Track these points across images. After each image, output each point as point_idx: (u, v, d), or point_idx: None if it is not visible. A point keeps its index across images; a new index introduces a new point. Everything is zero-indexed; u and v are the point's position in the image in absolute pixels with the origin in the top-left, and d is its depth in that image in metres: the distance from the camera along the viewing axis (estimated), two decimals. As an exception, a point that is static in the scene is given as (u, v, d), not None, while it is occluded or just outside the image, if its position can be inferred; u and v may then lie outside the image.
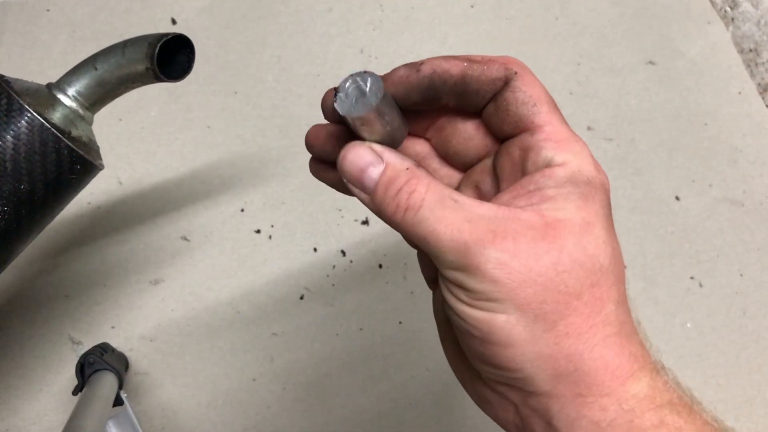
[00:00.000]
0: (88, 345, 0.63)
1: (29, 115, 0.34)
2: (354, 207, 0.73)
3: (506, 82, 0.28)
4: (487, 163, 0.30)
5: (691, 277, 0.74)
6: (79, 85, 0.37)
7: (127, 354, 0.64)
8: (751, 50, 0.87)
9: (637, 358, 0.25)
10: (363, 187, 0.26)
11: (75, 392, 0.56)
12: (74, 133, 0.36)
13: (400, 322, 0.68)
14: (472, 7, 0.86)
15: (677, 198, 0.78)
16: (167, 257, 0.69)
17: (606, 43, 0.86)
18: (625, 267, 0.28)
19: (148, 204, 0.71)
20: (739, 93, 0.85)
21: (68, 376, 0.63)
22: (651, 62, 0.85)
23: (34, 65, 0.76)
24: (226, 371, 0.65)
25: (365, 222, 0.72)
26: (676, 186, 0.78)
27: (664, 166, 0.79)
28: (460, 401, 0.65)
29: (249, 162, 0.74)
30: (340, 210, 0.73)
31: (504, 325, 0.25)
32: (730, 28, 0.89)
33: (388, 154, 0.26)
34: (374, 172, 0.26)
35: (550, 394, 0.26)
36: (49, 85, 0.37)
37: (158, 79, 0.36)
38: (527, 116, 0.28)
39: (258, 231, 0.71)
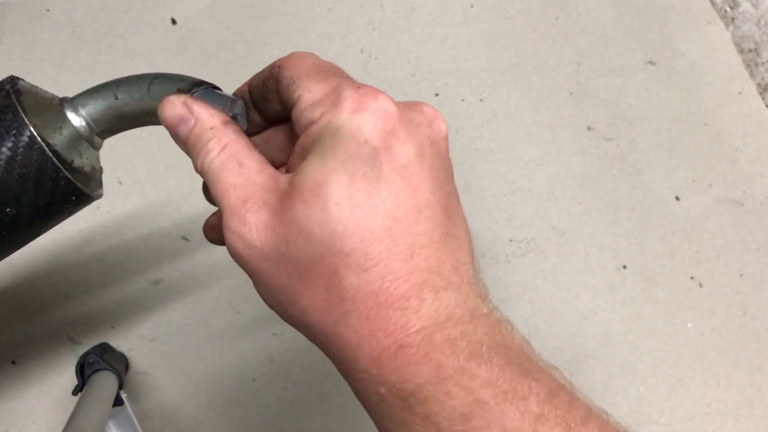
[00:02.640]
0: (87, 345, 0.63)
1: (31, 136, 0.31)
2: (354, 207, 0.73)
3: (278, 81, 0.28)
4: None
5: (691, 277, 0.74)
6: (94, 109, 0.34)
7: (127, 354, 0.64)
8: (751, 50, 0.87)
9: (388, 333, 0.23)
10: (178, 140, 0.28)
11: (75, 392, 0.56)
12: (76, 162, 0.33)
13: (400, 322, 0.68)
14: (472, 7, 0.86)
15: (677, 198, 0.78)
16: (167, 257, 0.69)
17: (606, 43, 0.86)
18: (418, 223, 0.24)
19: (148, 204, 0.71)
20: (739, 93, 0.85)
21: (68, 376, 0.63)
22: (651, 62, 0.85)
23: (35, 65, 0.76)
24: (226, 371, 0.65)
25: (365, 222, 0.72)
26: (676, 186, 0.78)
27: (664, 166, 0.79)
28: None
29: (249, 162, 0.74)
30: (340, 210, 0.73)
31: (260, 293, 0.26)
32: (730, 28, 0.89)
33: (198, 109, 0.28)
34: (184, 128, 0.28)
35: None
36: (63, 101, 0.34)
37: None
38: (290, 96, 0.26)
39: (258, 231, 0.71)
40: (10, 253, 0.36)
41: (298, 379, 0.65)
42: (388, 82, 0.79)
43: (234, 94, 0.32)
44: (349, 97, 0.24)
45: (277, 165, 0.31)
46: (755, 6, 0.86)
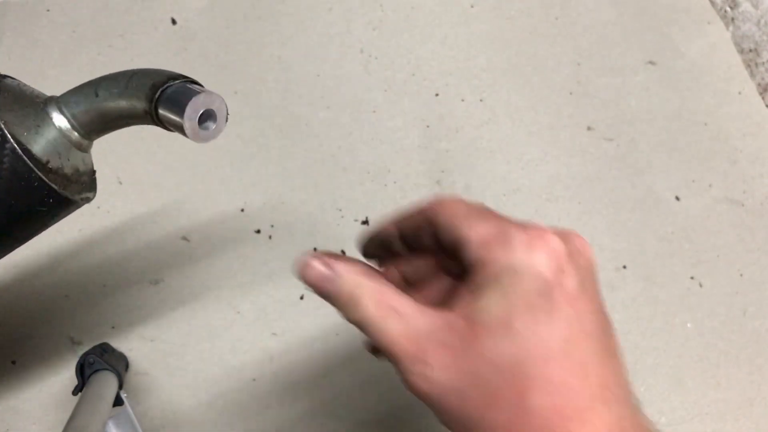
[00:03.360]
0: (87, 345, 0.63)
1: (2, 135, 0.30)
2: (354, 207, 0.73)
3: (434, 225, 0.31)
4: None
5: (691, 277, 0.74)
6: (77, 108, 0.33)
7: (127, 354, 0.64)
8: (751, 50, 0.87)
9: None
10: (323, 296, 0.31)
11: (75, 392, 0.56)
12: (53, 163, 0.32)
13: (400, 322, 0.68)
14: (472, 7, 0.86)
15: (677, 198, 0.78)
16: (167, 257, 0.69)
17: (606, 43, 0.86)
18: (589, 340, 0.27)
19: (148, 204, 0.71)
20: (739, 93, 0.85)
21: (68, 376, 0.63)
22: (651, 62, 0.85)
23: (35, 65, 0.76)
24: (226, 371, 0.65)
25: (365, 222, 0.72)
26: (676, 186, 0.78)
27: (664, 166, 0.79)
28: (460, 401, 0.65)
29: (249, 162, 0.74)
30: (340, 210, 0.73)
31: (444, 422, 0.28)
32: (730, 28, 0.89)
33: (340, 267, 0.30)
34: (330, 286, 0.30)
35: None
36: (48, 100, 0.33)
37: (160, 125, 0.32)
38: (453, 236, 0.29)
39: (258, 231, 0.71)
40: None
41: (298, 379, 0.65)
42: (388, 82, 0.79)
43: (380, 233, 0.35)
44: (519, 236, 0.28)
45: (416, 285, 0.35)
46: (755, 6, 0.86)
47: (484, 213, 0.30)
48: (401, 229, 0.34)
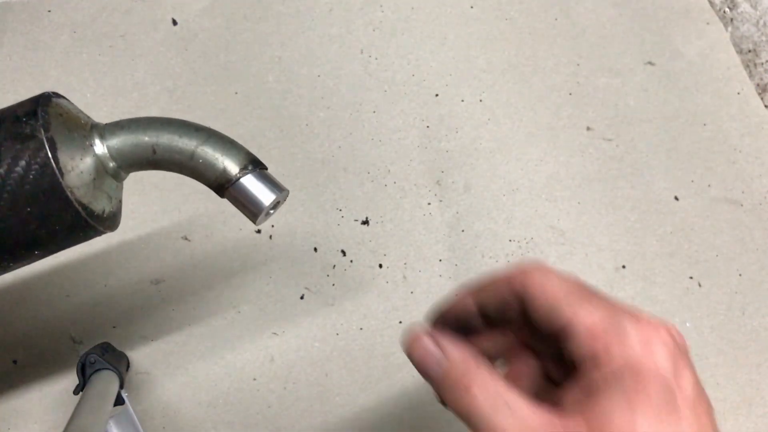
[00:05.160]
0: (88, 344, 0.63)
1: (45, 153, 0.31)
2: (354, 207, 0.73)
3: (524, 300, 0.29)
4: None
5: (690, 277, 0.74)
6: (127, 152, 0.34)
7: (128, 353, 0.64)
8: (750, 51, 0.87)
9: None
10: (424, 375, 0.29)
11: (76, 392, 0.56)
12: (83, 187, 0.33)
13: (400, 322, 0.69)
14: (472, 7, 0.86)
15: (676, 198, 0.78)
16: (168, 257, 0.69)
17: (605, 43, 0.86)
18: None
19: (148, 204, 0.71)
20: (738, 93, 0.85)
21: (69, 376, 0.63)
22: (650, 63, 0.86)
23: (36, 66, 0.77)
24: (226, 371, 0.65)
25: (365, 222, 0.73)
26: (675, 186, 0.78)
27: (663, 166, 0.79)
28: (459, 401, 0.65)
29: (249, 162, 0.74)
30: (340, 210, 0.73)
31: None
32: (729, 28, 0.90)
33: (451, 349, 0.28)
34: (437, 369, 0.28)
35: None
36: (94, 127, 0.34)
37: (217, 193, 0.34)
38: (557, 323, 0.28)
39: (258, 231, 0.71)
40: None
41: (299, 379, 0.65)
42: (388, 83, 0.80)
43: (456, 307, 0.32)
44: (633, 329, 0.26)
45: (494, 363, 0.32)
46: (754, 7, 0.86)
47: (586, 294, 0.28)
48: (480, 302, 0.31)
